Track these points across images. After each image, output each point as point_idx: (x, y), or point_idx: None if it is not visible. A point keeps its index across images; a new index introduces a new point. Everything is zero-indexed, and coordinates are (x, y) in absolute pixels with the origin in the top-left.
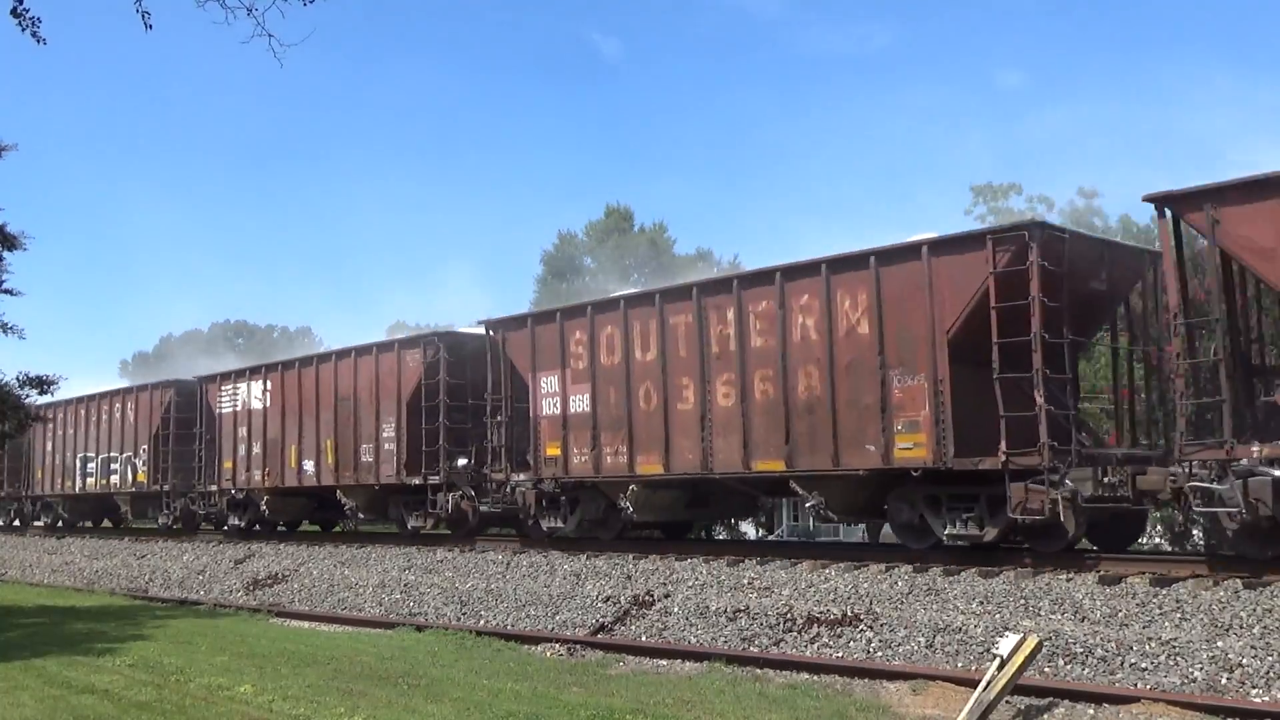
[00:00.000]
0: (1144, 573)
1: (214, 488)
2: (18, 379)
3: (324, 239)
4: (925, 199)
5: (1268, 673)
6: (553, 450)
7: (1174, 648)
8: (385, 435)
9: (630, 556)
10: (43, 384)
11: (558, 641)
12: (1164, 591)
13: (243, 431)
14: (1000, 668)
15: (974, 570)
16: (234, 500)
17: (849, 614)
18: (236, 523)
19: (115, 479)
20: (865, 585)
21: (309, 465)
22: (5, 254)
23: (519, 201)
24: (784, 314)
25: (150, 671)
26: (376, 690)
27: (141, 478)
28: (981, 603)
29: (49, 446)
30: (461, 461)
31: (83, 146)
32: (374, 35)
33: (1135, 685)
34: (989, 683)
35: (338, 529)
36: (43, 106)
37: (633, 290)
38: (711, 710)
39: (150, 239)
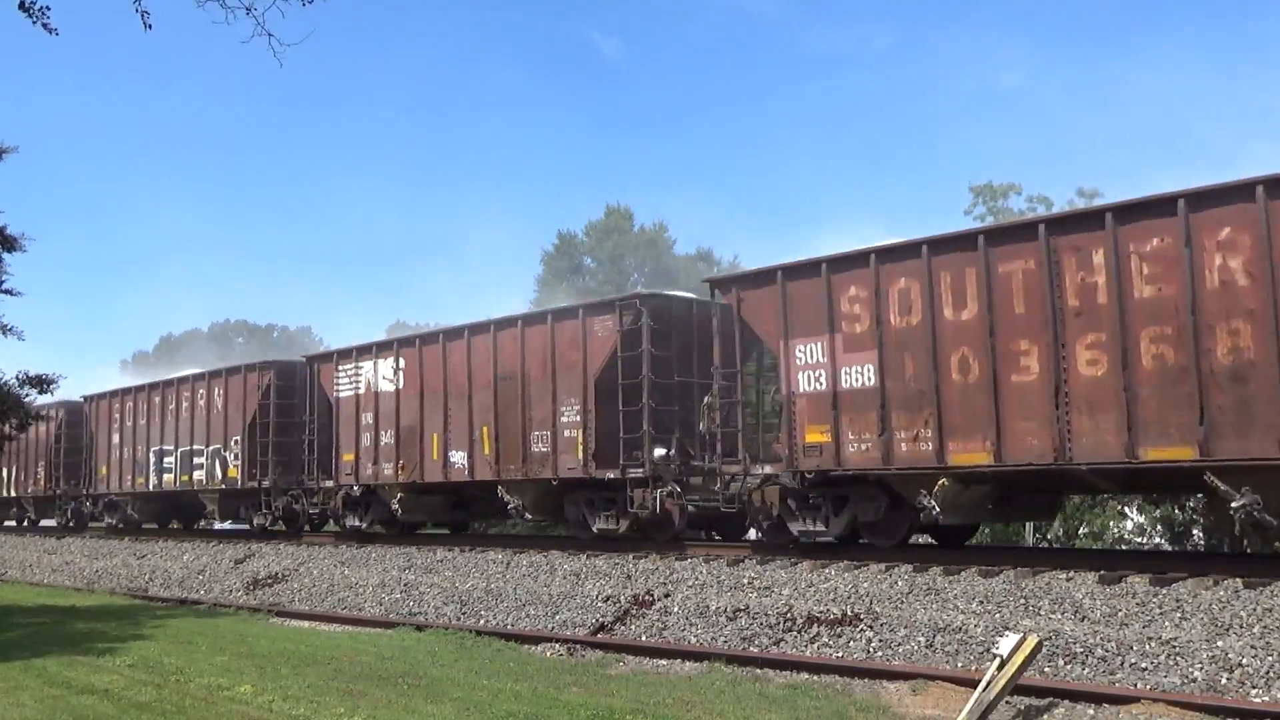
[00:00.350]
0: (1144, 572)
1: (329, 484)
2: (17, 378)
3: (326, 238)
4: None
5: (1268, 673)
6: (816, 435)
7: (1174, 648)
8: (565, 420)
9: (630, 556)
10: (43, 383)
11: (558, 641)
12: (1164, 591)
13: (367, 418)
14: (1000, 668)
15: (974, 570)
16: (350, 498)
17: (849, 614)
18: (355, 523)
19: (200, 475)
20: (865, 585)
21: (458, 457)
22: (5, 255)
23: (519, 200)
24: (1190, 253)
25: (150, 671)
26: (376, 690)
27: (233, 473)
28: (981, 603)
29: (115, 439)
30: (659, 452)
31: (84, 144)
32: (373, 35)
33: (1135, 685)
34: (989, 683)
35: (492, 530)
36: (45, 105)
37: (938, 233)
38: (711, 710)
39: (152, 237)
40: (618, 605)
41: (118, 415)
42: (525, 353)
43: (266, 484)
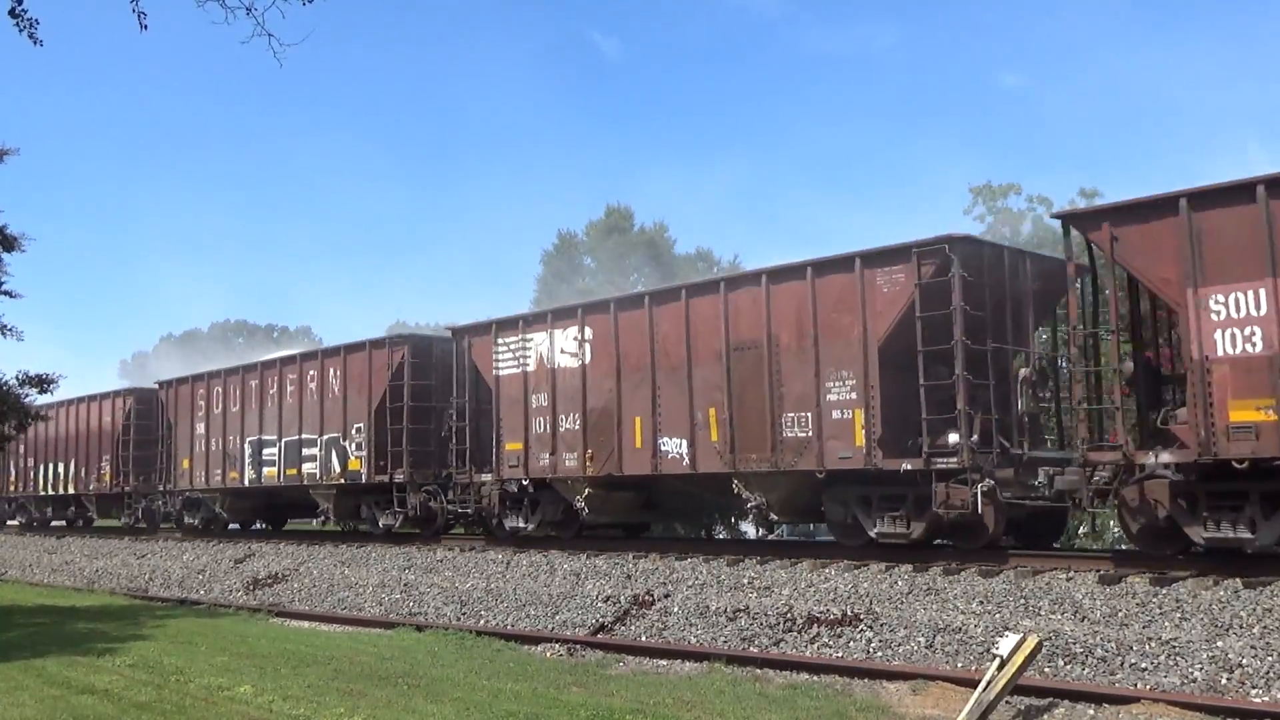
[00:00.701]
0: (1144, 573)
1: (487, 477)
2: (17, 378)
3: (325, 238)
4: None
5: (1268, 673)
6: (1247, 413)
7: (1174, 648)
8: (834, 398)
9: (630, 556)
10: (42, 383)
11: (558, 641)
12: (1164, 591)
13: (540, 400)
14: (1000, 668)
15: (974, 570)
16: (507, 494)
17: (849, 614)
18: (519, 525)
19: (311, 468)
20: (865, 585)
21: (673, 445)
22: (4, 256)
23: (520, 200)
24: None
25: (150, 671)
26: (376, 690)
27: (355, 465)
28: (981, 603)
29: (200, 429)
30: (953, 438)
31: (83, 144)
32: (371, 33)
33: (1135, 685)
34: (989, 683)
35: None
36: (45, 105)
37: None
38: (711, 710)
39: (153, 238)
40: (618, 605)
41: (202, 402)
42: (771, 316)
43: (399, 478)
